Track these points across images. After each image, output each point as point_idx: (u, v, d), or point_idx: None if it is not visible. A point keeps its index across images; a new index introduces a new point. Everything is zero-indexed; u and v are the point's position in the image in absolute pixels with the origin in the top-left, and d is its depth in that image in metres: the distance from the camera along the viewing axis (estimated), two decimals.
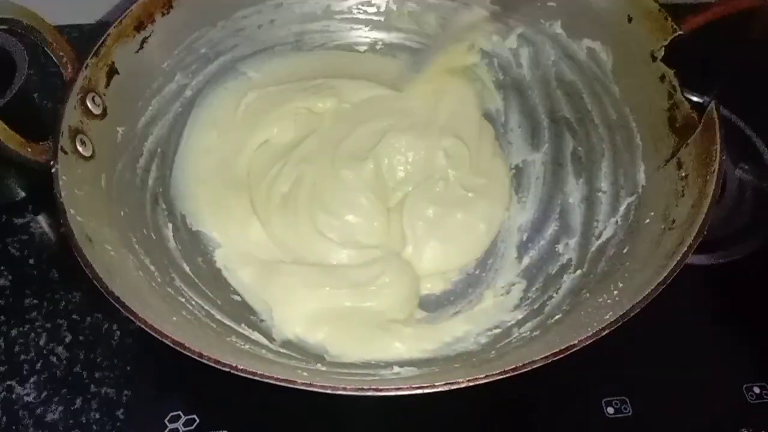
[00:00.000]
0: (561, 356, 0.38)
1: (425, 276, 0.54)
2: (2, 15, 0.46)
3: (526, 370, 0.38)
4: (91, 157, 0.48)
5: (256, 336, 0.49)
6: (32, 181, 0.61)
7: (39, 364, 0.53)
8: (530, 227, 0.56)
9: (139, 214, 0.52)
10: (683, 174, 0.48)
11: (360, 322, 0.50)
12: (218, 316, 0.49)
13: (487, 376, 0.37)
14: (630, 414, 0.50)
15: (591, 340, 0.39)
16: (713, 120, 0.47)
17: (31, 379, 0.52)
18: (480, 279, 0.54)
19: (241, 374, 0.37)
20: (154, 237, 0.52)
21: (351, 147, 0.58)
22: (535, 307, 0.51)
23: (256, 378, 0.37)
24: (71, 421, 0.51)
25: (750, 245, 0.58)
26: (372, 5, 0.65)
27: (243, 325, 0.49)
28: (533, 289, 0.52)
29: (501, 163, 0.60)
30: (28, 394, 0.52)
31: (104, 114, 0.50)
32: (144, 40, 0.54)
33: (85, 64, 0.48)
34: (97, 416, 0.51)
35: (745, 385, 0.52)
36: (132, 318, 0.39)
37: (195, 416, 0.50)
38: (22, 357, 0.53)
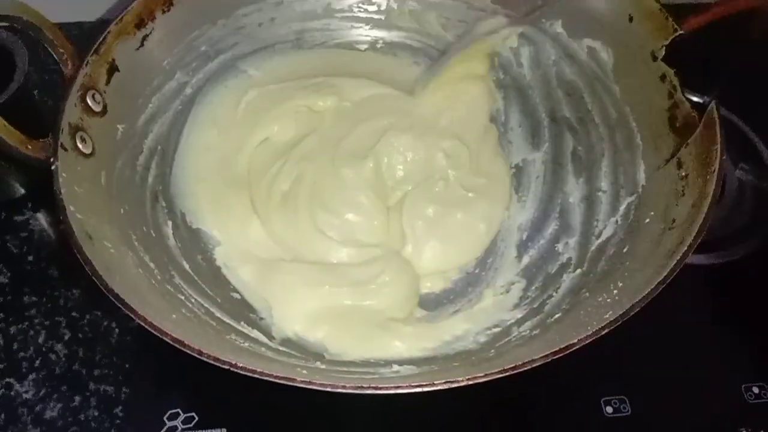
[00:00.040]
0: (560, 355, 0.38)
1: (425, 275, 0.54)
2: (3, 12, 0.46)
3: (525, 369, 0.38)
4: (91, 154, 0.48)
5: (255, 334, 0.49)
6: (32, 178, 0.61)
7: (38, 362, 0.53)
8: (530, 226, 0.56)
9: (139, 211, 0.52)
10: (683, 174, 0.48)
11: (360, 320, 0.50)
12: (218, 314, 0.49)
13: (486, 375, 0.37)
14: (629, 413, 0.50)
15: (590, 340, 0.39)
16: (713, 120, 0.47)
17: (30, 377, 0.52)
18: (480, 278, 0.54)
19: (241, 372, 0.37)
20: (153, 234, 0.52)
21: (351, 145, 0.58)
22: (534, 306, 0.51)
23: (256, 376, 0.37)
24: (70, 419, 0.51)
25: (750, 245, 0.58)
26: (372, 4, 0.65)
27: (242, 323, 0.49)
28: (533, 288, 0.52)
29: (502, 163, 0.60)
30: (26, 392, 0.52)
31: (104, 111, 0.50)
32: (144, 38, 0.54)
33: (85, 62, 0.48)
34: (96, 413, 0.51)
35: (744, 385, 0.52)
36: (131, 315, 0.39)
37: (194, 414, 0.50)
38: (21, 354, 0.53)
